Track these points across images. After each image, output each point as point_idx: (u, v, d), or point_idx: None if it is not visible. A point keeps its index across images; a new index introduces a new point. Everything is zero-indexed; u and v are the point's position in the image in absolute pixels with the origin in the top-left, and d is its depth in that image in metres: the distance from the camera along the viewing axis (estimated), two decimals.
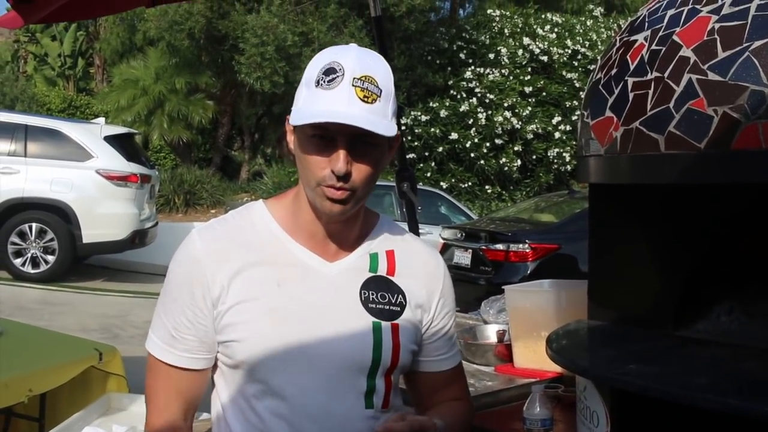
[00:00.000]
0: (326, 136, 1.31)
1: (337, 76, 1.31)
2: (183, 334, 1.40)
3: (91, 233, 9.61)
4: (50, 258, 9.60)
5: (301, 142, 1.35)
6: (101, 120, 11.27)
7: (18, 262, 9.55)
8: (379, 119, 1.32)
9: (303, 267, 1.41)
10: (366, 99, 1.31)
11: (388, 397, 1.44)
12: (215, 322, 1.39)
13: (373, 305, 1.42)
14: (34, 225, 9.55)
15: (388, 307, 1.43)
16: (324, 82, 1.31)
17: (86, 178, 9.61)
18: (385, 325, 1.42)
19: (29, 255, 9.57)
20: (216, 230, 1.44)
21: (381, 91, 1.33)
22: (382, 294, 1.44)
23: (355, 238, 1.46)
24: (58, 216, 9.57)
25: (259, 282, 1.38)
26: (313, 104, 1.32)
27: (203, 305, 1.38)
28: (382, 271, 1.46)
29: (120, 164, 9.81)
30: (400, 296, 1.45)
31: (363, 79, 1.32)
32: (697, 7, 1.46)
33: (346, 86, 1.31)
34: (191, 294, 1.39)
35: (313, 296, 1.40)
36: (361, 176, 1.34)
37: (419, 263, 1.52)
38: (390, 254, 1.49)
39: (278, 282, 1.39)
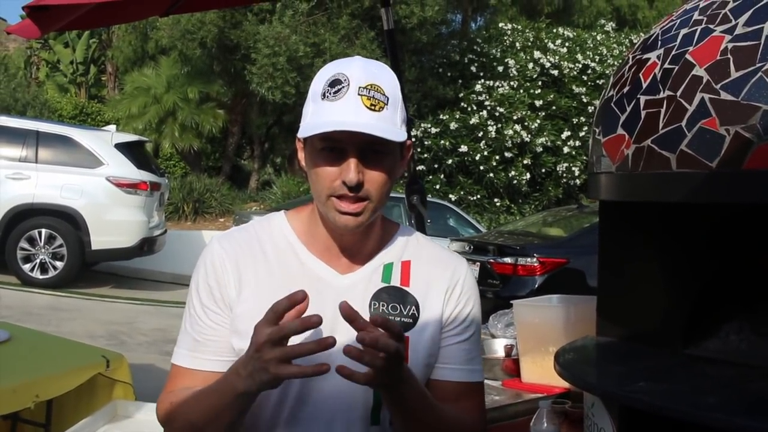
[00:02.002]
0: (336, 148, 1.31)
1: (343, 87, 1.31)
2: (207, 336, 1.40)
3: (100, 240, 9.66)
4: (59, 264, 9.65)
5: (311, 155, 1.35)
6: (112, 127, 11.33)
7: (27, 267, 9.60)
8: (388, 126, 1.31)
9: (314, 279, 1.40)
10: (373, 107, 1.31)
11: None
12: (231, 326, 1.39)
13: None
14: (43, 231, 9.61)
15: (399, 319, 1.40)
16: (330, 93, 1.31)
17: (96, 184, 9.66)
18: None
19: (38, 261, 9.62)
20: (235, 237, 1.45)
21: (388, 98, 1.33)
22: (393, 305, 1.41)
23: (371, 250, 1.44)
24: (67, 222, 9.62)
25: (269, 293, 1.37)
26: (320, 116, 1.31)
27: (223, 306, 1.40)
28: (395, 281, 1.43)
29: (130, 172, 9.86)
30: (413, 307, 1.42)
31: (369, 87, 1.31)
32: (711, 26, 1.47)
33: (352, 96, 1.30)
34: (211, 296, 1.40)
35: (322, 308, 1.36)
36: (375, 185, 1.33)
37: (438, 272, 1.47)
38: (405, 265, 1.46)
39: (288, 294, 1.37)
